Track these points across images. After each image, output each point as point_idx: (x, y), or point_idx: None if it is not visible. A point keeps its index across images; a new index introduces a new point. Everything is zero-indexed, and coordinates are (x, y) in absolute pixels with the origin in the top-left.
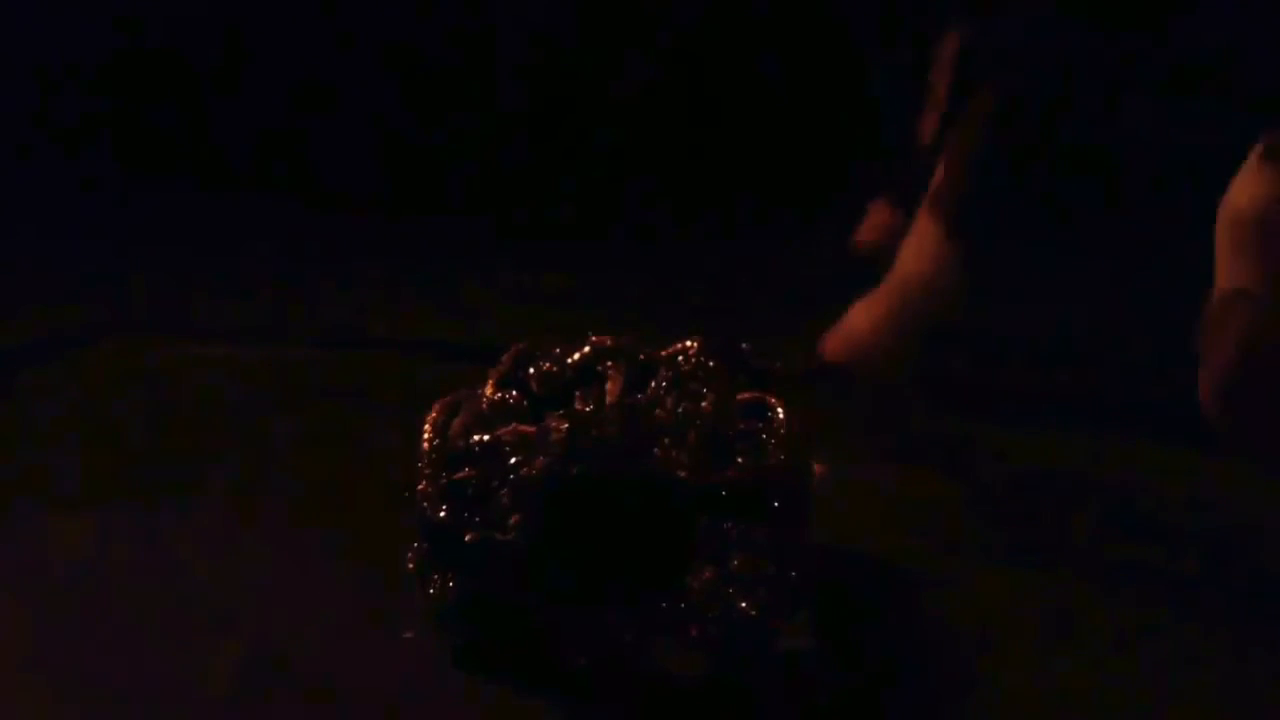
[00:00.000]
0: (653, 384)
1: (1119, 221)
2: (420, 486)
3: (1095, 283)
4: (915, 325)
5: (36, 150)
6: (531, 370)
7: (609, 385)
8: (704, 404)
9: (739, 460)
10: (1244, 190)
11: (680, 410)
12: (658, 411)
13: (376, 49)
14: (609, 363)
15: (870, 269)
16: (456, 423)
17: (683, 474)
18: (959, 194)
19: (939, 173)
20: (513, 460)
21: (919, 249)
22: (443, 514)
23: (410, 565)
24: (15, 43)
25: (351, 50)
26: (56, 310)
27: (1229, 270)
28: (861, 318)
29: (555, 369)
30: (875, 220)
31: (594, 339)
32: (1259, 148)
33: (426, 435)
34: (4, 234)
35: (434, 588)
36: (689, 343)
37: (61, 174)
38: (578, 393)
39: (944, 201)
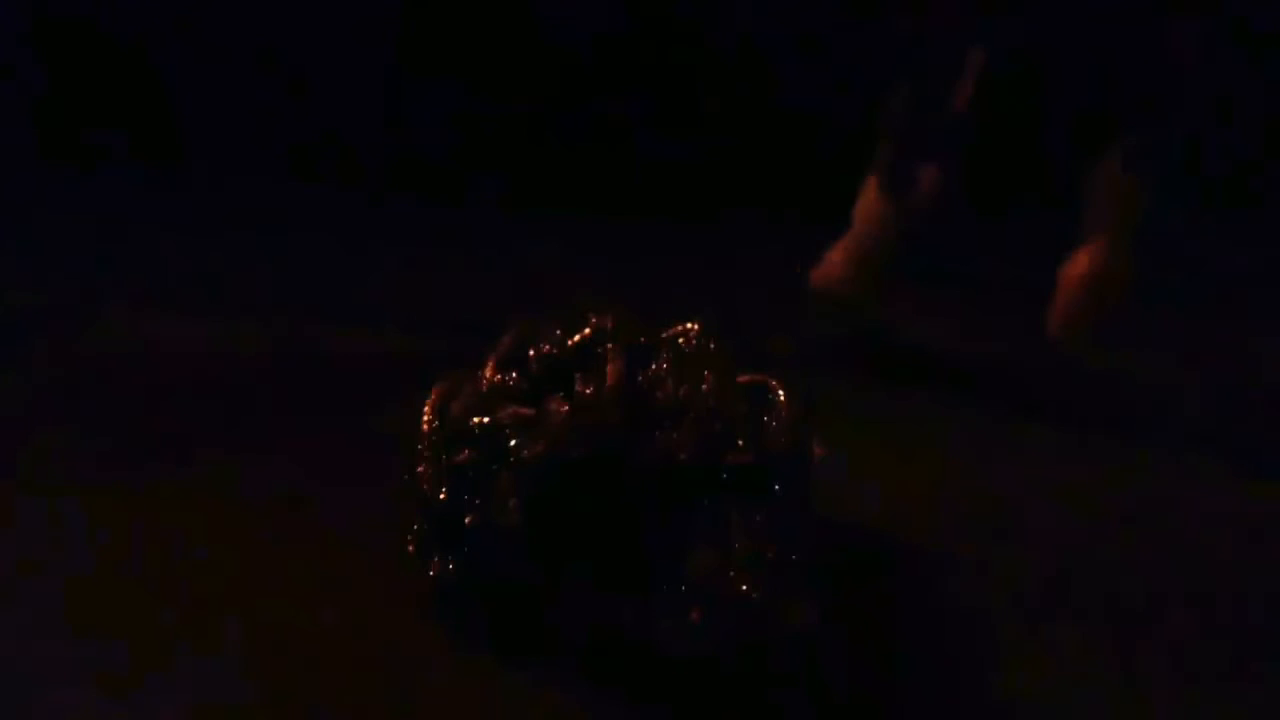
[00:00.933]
0: (653, 366)
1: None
2: (420, 468)
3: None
4: (870, 262)
5: (28, 128)
6: (532, 352)
7: (609, 367)
8: (705, 386)
9: (740, 443)
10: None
11: (681, 393)
12: (658, 394)
13: (372, 25)
14: (609, 344)
15: None
16: (456, 404)
17: (683, 457)
18: (889, 160)
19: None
20: (513, 442)
21: (865, 204)
22: (442, 496)
23: (410, 547)
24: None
25: (350, 27)
26: (50, 289)
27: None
28: (834, 255)
29: (555, 350)
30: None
31: (594, 320)
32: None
33: (426, 417)
34: None
35: (434, 569)
36: (690, 324)
37: (55, 152)
38: (578, 375)
39: (879, 166)
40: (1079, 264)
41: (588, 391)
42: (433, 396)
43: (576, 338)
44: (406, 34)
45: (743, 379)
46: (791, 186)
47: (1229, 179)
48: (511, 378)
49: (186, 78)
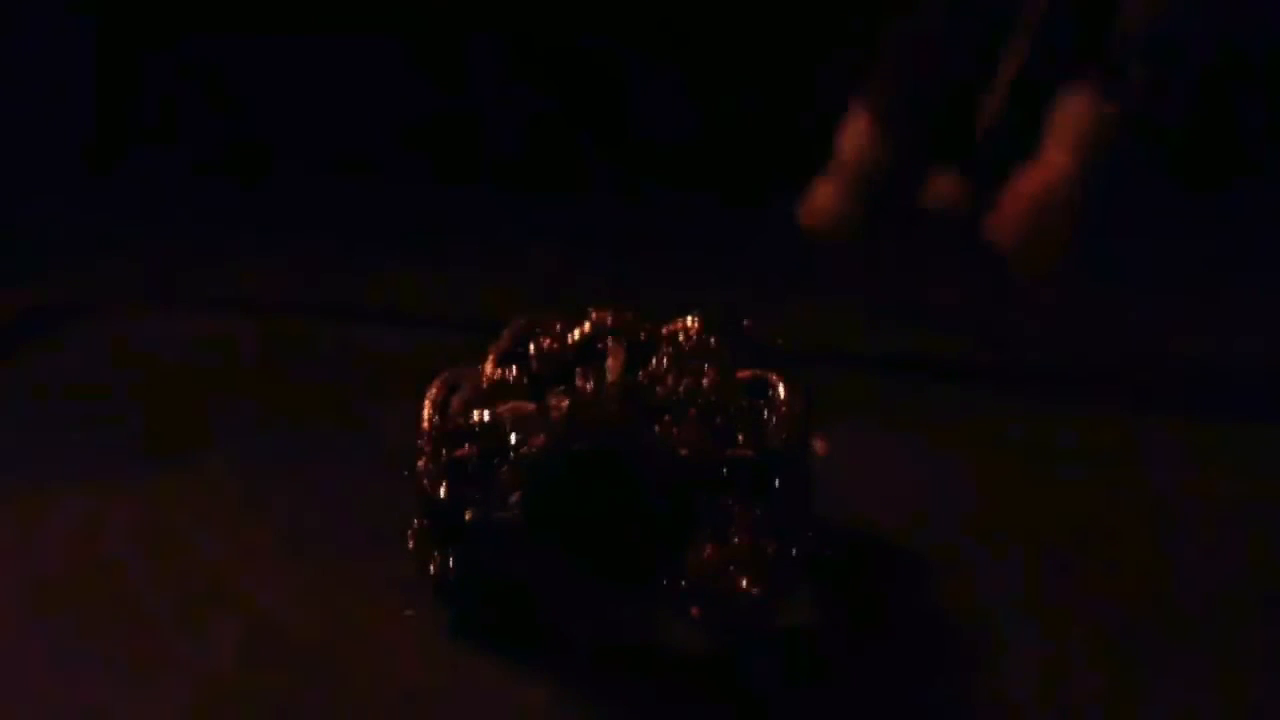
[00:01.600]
0: (654, 361)
1: None
2: (420, 464)
3: None
4: (860, 195)
5: (36, 121)
6: (532, 347)
7: (610, 362)
8: (705, 381)
9: (740, 438)
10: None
11: (681, 388)
12: (658, 389)
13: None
14: (610, 339)
15: None
16: (456, 400)
17: (683, 452)
18: (881, 88)
19: (872, 71)
20: (513, 438)
21: (853, 134)
22: (443, 492)
23: (410, 543)
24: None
25: (349, 23)
26: (53, 282)
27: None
28: (820, 189)
29: (556, 346)
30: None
31: (595, 315)
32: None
33: (426, 412)
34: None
35: (434, 565)
36: (690, 320)
37: (59, 144)
38: (578, 370)
39: (870, 93)
40: (1029, 179)
41: (588, 387)
42: (433, 392)
43: (577, 333)
44: (406, 31)
45: (743, 374)
46: (792, 186)
47: (1202, 161)
48: (512, 373)
49: (184, 76)
